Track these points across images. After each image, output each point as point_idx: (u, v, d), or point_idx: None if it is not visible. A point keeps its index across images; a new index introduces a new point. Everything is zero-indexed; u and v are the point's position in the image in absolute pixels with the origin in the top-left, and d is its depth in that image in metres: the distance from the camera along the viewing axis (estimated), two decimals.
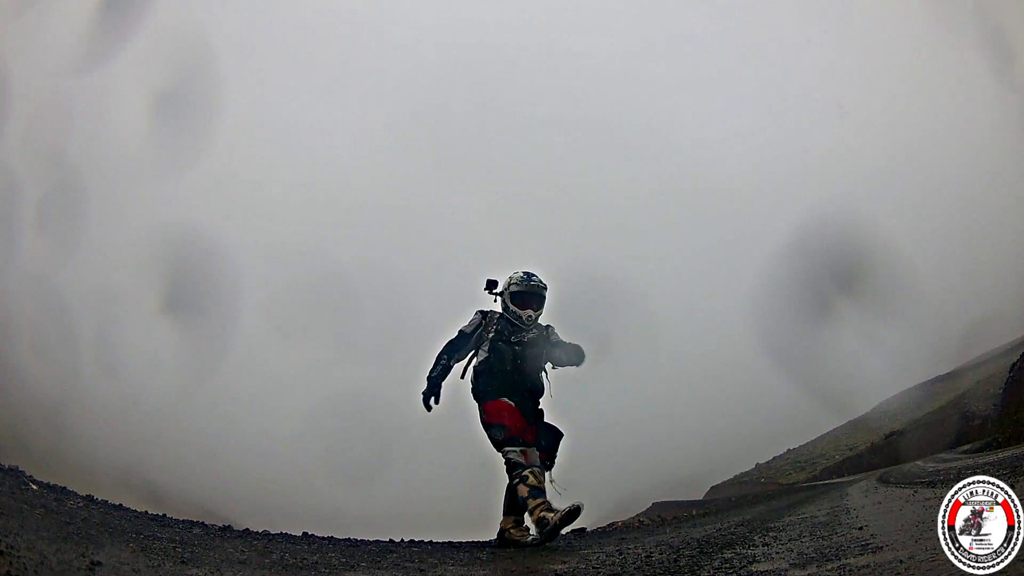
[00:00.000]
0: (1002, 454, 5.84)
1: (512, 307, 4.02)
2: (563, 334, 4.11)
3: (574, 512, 3.47)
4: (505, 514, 3.87)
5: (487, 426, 3.85)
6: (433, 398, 3.88)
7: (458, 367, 4.01)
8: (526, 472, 3.63)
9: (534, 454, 3.73)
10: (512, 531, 3.81)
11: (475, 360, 3.97)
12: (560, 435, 3.93)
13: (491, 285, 4.14)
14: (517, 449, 3.71)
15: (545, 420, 3.96)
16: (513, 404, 3.83)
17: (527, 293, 4.03)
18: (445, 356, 3.97)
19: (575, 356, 3.96)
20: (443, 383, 3.92)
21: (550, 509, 3.53)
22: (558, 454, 3.90)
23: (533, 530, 3.82)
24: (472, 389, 3.96)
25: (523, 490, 3.60)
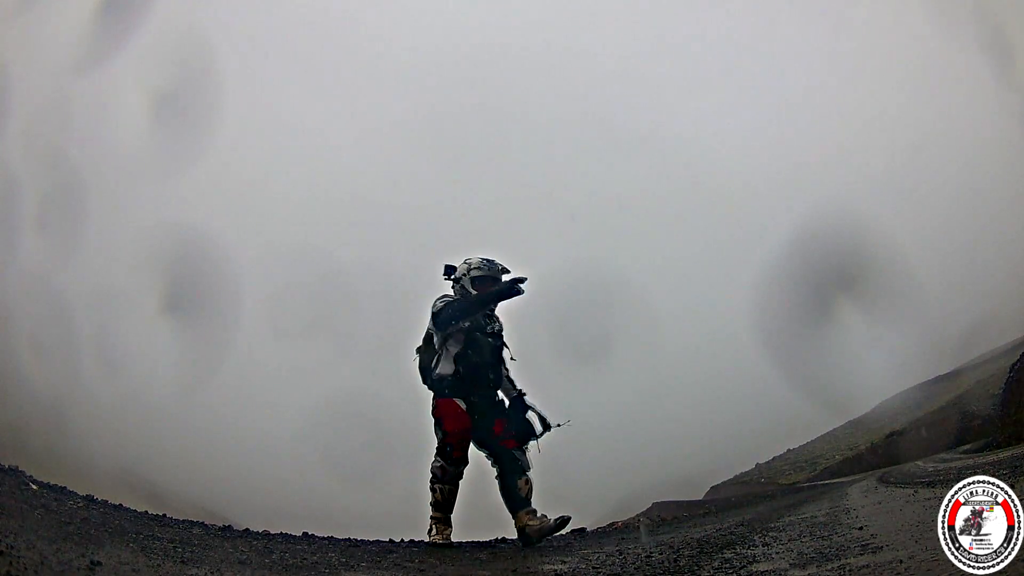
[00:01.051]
0: (1002, 454, 5.83)
1: (474, 292, 3.95)
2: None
3: (440, 545, 3.71)
4: (515, 511, 3.82)
5: (436, 420, 3.88)
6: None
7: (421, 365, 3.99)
8: (436, 486, 3.81)
9: (455, 471, 3.80)
10: (531, 523, 3.76)
11: (451, 351, 3.90)
12: (521, 396, 3.95)
13: (449, 271, 4.07)
14: (440, 463, 3.81)
15: (507, 405, 3.96)
16: (462, 405, 3.83)
17: (489, 278, 3.97)
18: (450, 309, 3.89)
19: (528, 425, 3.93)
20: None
21: (438, 532, 3.75)
22: (537, 410, 3.93)
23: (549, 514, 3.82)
24: (431, 381, 3.92)
25: (431, 498, 3.82)
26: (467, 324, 3.91)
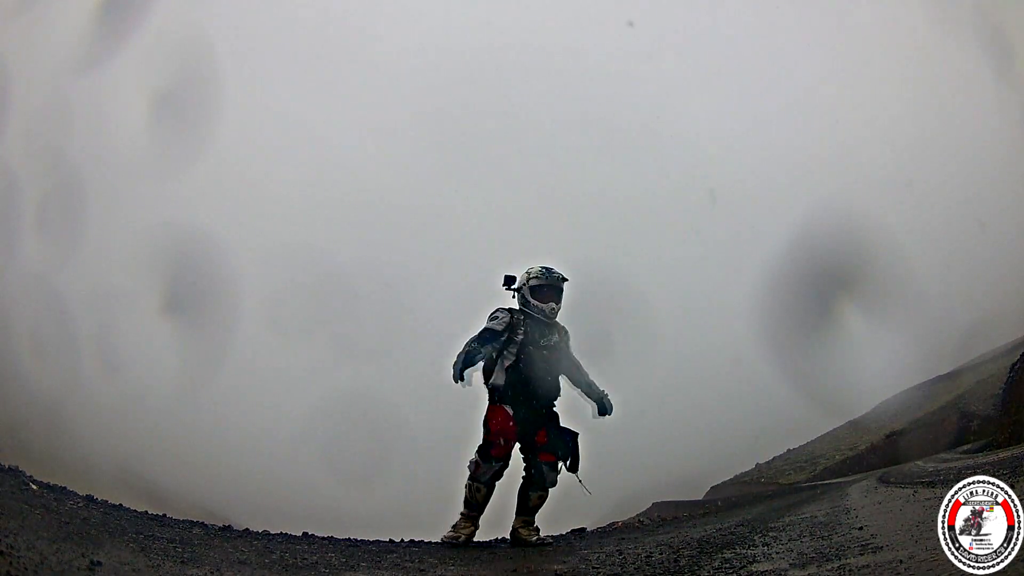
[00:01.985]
0: (1002, 454, 5.83)
1: (534, 301, 3.98)
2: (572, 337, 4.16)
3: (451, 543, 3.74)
4: (516, 514, 3.94)
5: (484, 421, 3.93)
6: (461, 381, 3.92)
7: (478, 374, 4.00)
8: (470, 483, 3.85)
9: (489, 469, 3.83)
10: (520, 530, 3.85)
11: (504, 362, 3.93)
12: (575, 435, 3.98)
13: (508, 281, 4.11)
14: (476, 459, 3.85)
15: (560, 424, 3.98)
16: (510, 412, 3.87)
17: (548, 287, 4.01)
18: (474, 344, 3.93)
19: (601, 404, 4.06)
20: (469, 369, 3.91)
21: (455, 529, 3.79)
22: (580, 454, 3.96)
23: (543, 531, 3.89)
24: (490, 388, 3.96)
25: (464, 494, 3.86)
26: (520, 337, 3.93)
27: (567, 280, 4.05)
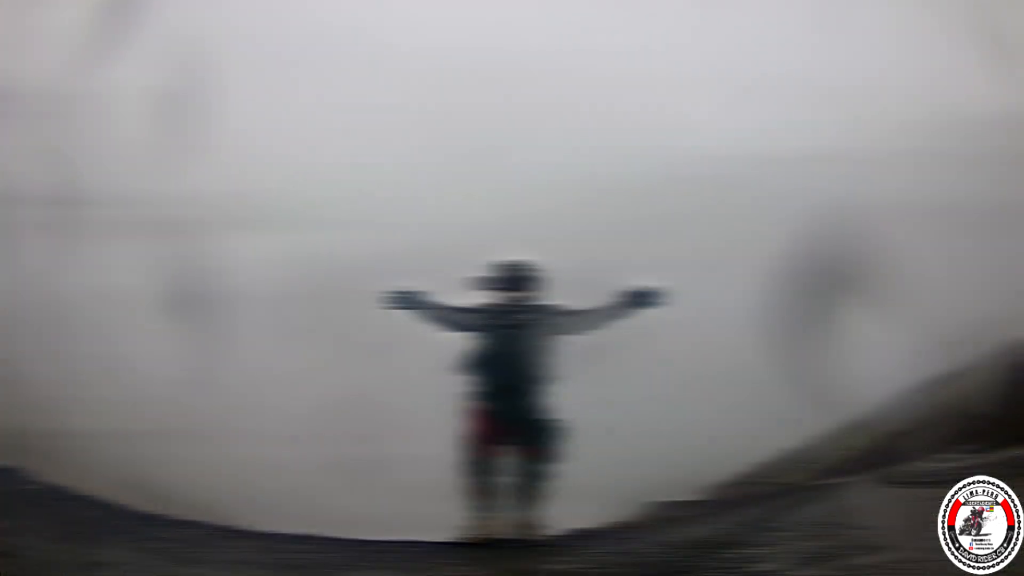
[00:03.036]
0: (1002, 454, 5.82)
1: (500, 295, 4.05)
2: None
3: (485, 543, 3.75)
4: (514, 514, 3.90)
5: None
6: (399, 304, 4.14)
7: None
8: (466, 480, 3.86)
9: (474, 466, 3.84)
10: (520, 530, 3.85)
11: (474, 352, 3.98)
12: (557, 425, 3.95)
13: (486, 282, 4.13)
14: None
15: (546, 417, 3.94)
16: (485, 407, 3.90)
17: (504, 279, 4.06)
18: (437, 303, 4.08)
19: (633, 306, 4.09)
20: (416, 305, 4.12)
21: (473, 530, 3.77)
22: (560, 447, 3.94)
23: (542, 531, 3.90)
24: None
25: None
26: (483, 323, 4.00)
27: (523, 267, 4.07)
